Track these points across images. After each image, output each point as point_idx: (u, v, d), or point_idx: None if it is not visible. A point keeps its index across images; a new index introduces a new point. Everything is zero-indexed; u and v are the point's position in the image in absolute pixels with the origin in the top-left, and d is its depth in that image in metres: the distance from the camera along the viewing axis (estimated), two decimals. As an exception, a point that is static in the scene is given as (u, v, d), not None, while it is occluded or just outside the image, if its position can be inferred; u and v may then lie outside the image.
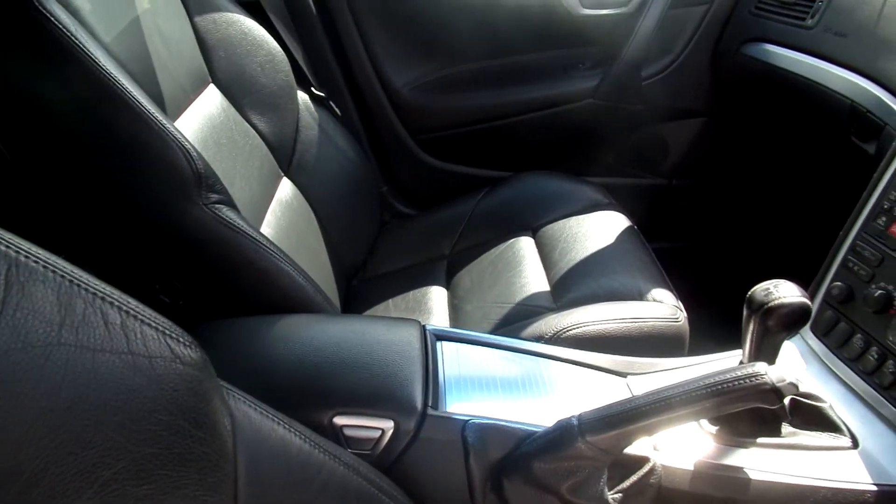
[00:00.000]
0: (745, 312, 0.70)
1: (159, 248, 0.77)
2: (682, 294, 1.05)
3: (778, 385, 0.54)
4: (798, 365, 0.84)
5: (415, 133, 1.49)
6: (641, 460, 0.67)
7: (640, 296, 1.02)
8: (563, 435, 0.62)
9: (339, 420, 0.62)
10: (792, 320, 0.66)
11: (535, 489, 0.64)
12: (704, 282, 1.34)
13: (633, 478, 0.67)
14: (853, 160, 1.05)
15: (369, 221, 1.38)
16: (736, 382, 0.55)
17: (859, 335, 0.79)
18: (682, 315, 0.99)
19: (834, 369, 0.81)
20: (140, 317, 0.36)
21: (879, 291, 0.77)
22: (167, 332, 0.40)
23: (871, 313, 0.78)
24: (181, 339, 0.41)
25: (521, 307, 1.05)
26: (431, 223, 1.40)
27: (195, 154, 0.75)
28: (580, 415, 0.62)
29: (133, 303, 0.36)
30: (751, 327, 0.69)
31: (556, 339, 0.92)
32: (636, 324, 0.94)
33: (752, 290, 0.70)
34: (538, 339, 0.92)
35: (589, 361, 0.81)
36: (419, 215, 1.48)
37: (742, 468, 0.69)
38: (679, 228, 1.52)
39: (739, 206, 1.46)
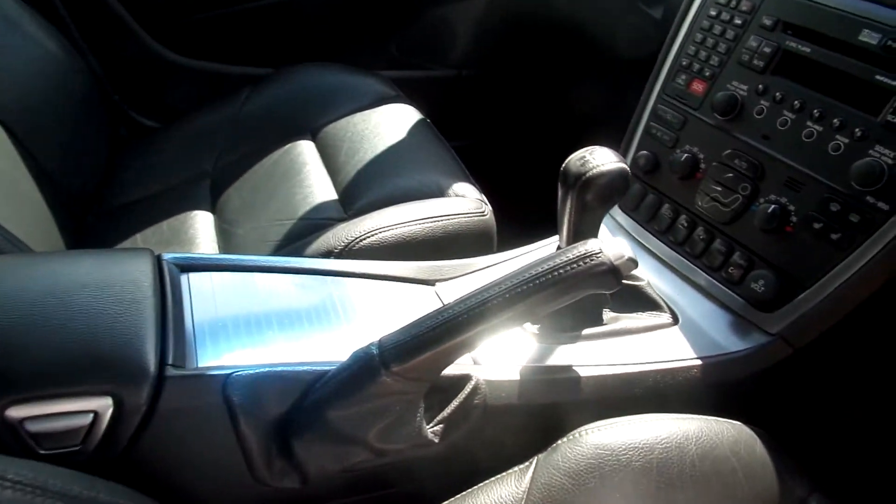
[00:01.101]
0: (560, 190, 0.59)
1: None
2: (484, 192, 0.94)
3: (616, 263, 0.43)
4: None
5: (146, 21, 1.17)
6: (462, 380, 0.55)
7: (440, 192, 0.89)
8: (361, 370, 0.46)
9: (15, 412, 0.40)
10: (612, 189, 0.56)
11: (335, 444, 0.49)
12: (506, 177, 1.26)
13: (455, 402, 0.54)
14: (644, 28, 1.00)
15: (97, 138, 1.07)
16: (568, 268, 0.43)
17: (668, 205, 0.74)
18: (488, 208, 0.88)
19: (646, 244, 0.75)
20: None
21: (685, 155, 0.72)
22: None
23: (677, 180, 0.73)
24: None
25: (305, 222, 0.87)
26: (185, 136, 1.13)
27: None
28: (380, 341, 0.47)
29: None
30: (568, 205, 0.58)
31: (349, 251, 0.75)
32: (439, 223, 0.81)
33: (566, 161, 0.59)
34: (327, 254, 0.75)
35: (389, 273, 0.66)
36: (167, 127, 1.18)
37: (570, 366, 0.60)
38: (474, 123, 1.42)
39: (534, 94, 1.39)
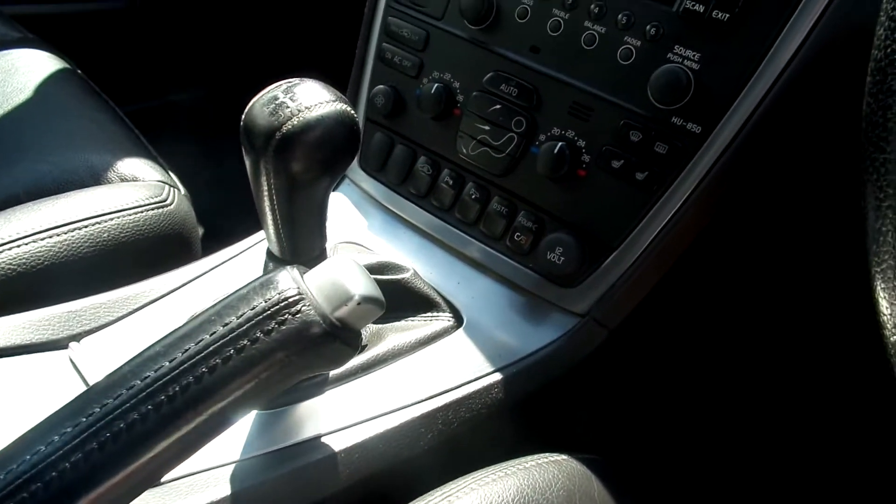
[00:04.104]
0: (246, 159, 0.34)
1: None
2: (180, 172, 0.66)
3: (337, 316, 0.21)
4: (354, 227, 0.55)
5: None
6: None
7: (93, 179, 0.58)
8: None
9: None
10: (332, 148, 0.33)
11: None
12: (216, 147, 0.96)
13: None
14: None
15: None
16: (234, 350, 0.19)
17: (424, 157, 0.54)
18: (176, 193, 0.60)
19: (402, 215, 0.55)
20: None
21: (435, 85, 0.51)
22: None
23: (430, 121, 0.53)
24: None
25: None
26: None
27: None
28: None
29: None
30: (263, 183, 0.34)
31: None
32: (83, 231, 0.51)
33: (248, 109, 0.34)
34: None
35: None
36: None
37: (317, 438, 0.38)
38: (162, 76, 1.07)
39: (238, 26, 1.09)
